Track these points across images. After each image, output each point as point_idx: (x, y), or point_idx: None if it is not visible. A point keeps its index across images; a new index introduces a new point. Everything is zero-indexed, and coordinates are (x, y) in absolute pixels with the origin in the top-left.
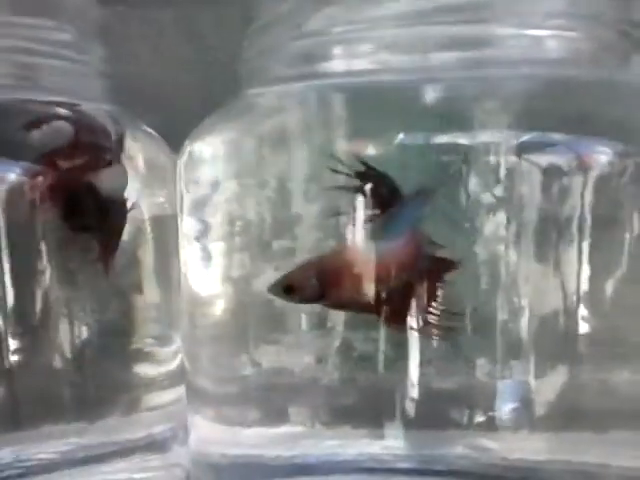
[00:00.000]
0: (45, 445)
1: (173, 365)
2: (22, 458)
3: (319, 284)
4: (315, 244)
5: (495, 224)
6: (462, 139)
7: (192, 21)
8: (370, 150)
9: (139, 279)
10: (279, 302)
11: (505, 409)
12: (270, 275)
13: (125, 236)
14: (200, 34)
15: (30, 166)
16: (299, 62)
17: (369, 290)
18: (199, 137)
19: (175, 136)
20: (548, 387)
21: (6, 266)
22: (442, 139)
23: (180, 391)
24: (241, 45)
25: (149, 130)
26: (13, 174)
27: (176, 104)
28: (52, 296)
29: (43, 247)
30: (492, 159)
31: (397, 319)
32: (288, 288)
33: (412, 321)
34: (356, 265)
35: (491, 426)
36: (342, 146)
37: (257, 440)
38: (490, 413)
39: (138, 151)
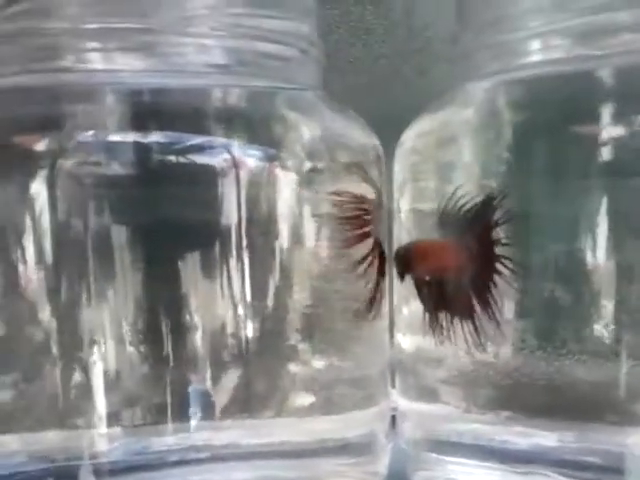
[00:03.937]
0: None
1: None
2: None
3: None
4: None
5: None
6: None
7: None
8: (605, 134)
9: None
10: None
11: None
12: None
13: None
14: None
15: (271, 151)
16: (503, 56)
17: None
18: (411, 129)
19: None
20: None
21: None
22: None
23: (382, 397)
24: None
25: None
26: (254, 159)
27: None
28: None
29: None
30: None
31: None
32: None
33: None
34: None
35: None
36: (579, 130)
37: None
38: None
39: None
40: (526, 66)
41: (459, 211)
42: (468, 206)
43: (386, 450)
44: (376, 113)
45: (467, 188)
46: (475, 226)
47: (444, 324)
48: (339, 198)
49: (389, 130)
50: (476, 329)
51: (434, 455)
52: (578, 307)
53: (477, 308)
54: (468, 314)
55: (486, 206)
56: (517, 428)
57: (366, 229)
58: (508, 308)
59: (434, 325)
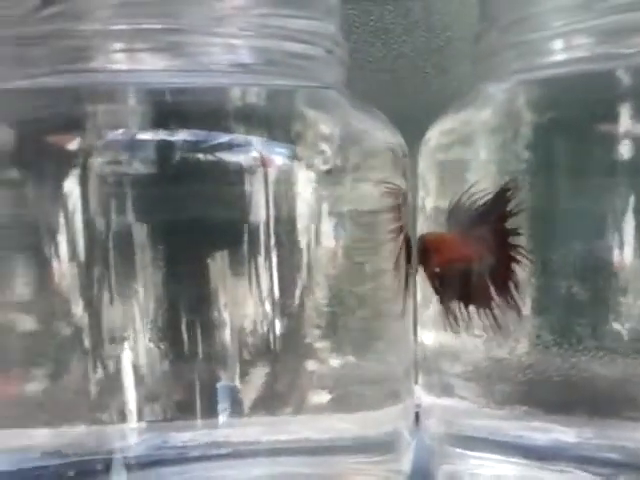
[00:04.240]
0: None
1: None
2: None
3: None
4: None
5: None
6: None
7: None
8: (627, 132)
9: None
10: None
11: None
12: None
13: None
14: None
15: (296, 149)
16: (526, 55)
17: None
18: (435, 127)
19: None
20: None
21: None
22: None
23: (406, 394)
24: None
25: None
26: (281, 156)
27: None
28: None
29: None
30: None
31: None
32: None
33: None
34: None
35: None
36: (600, 129)
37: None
38: None
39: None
40: (549, 65)
41: (474, 204)
42: (483, 200)
43: (410, 448)
44: (396, 112)
45: (484, 185)
46: (489, 217)
47: (459, 315)
48: (386, 189)
49: (409, 129)
50: (494, 317)
51: (457, 450)
52: (596, 304)
53: (495, 296)
54: (486, 302)
55: (500, 197)
56: (535, 424)
57: (401, 223)
58: (525, 304)
59: (448, 316)
